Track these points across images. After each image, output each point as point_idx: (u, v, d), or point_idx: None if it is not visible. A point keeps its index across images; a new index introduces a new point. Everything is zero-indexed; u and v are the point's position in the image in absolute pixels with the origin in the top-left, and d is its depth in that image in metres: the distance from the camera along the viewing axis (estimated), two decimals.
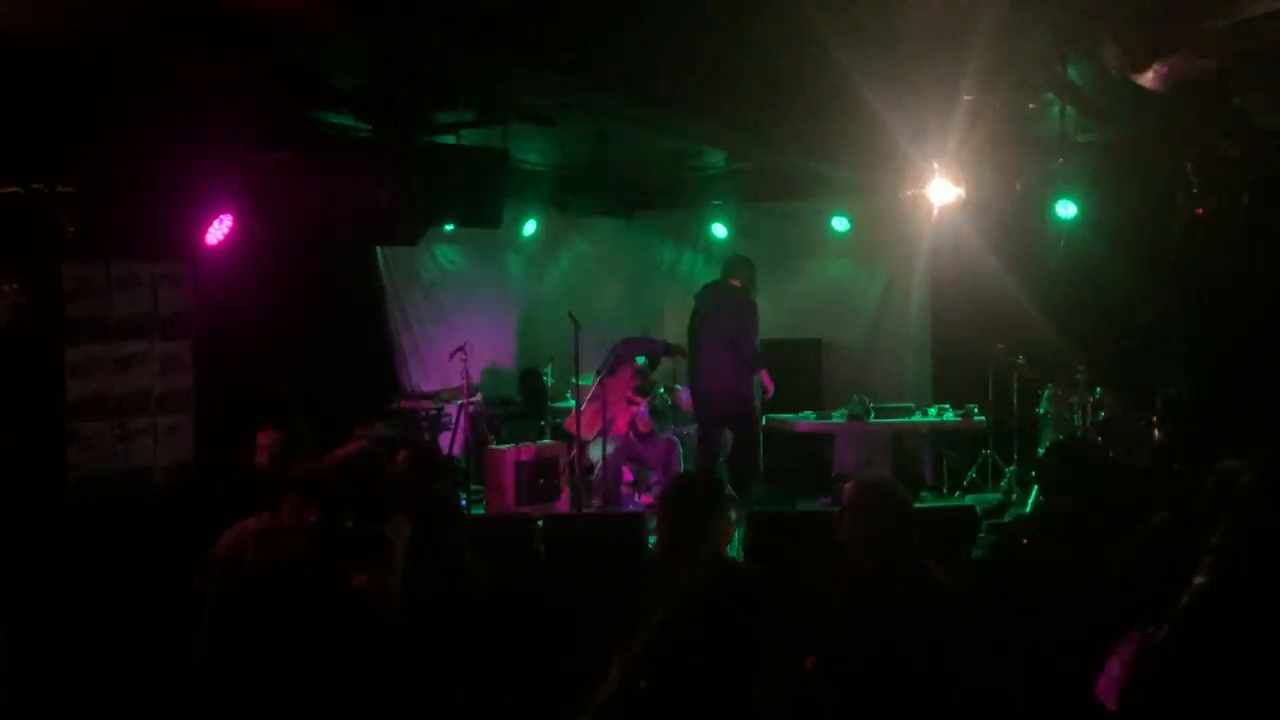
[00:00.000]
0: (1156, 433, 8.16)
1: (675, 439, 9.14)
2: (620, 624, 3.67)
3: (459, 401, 9.26)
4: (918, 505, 8.02)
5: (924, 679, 3.62)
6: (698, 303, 9.08)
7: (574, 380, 8.98)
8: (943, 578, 3.82)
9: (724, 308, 8.86)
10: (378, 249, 9.95)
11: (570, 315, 8.53)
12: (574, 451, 8.92)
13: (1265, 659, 2.54)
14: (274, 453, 6.02)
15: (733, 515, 4.43)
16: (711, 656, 3.60)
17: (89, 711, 4.40)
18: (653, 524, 8.43)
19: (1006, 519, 8.07)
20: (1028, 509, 8.26)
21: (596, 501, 8.87)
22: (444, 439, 9.07)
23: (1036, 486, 8.37)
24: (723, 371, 8.76)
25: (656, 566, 3.99)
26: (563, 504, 8.85)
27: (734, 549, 7.61)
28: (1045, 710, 4.19)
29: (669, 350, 9.62)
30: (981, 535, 6.99)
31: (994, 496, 8.84)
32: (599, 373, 9.17)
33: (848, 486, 4.03)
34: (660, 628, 3.58)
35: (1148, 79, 5.87)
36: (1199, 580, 2.64)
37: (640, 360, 9.52)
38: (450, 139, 7.87)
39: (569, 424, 9.06)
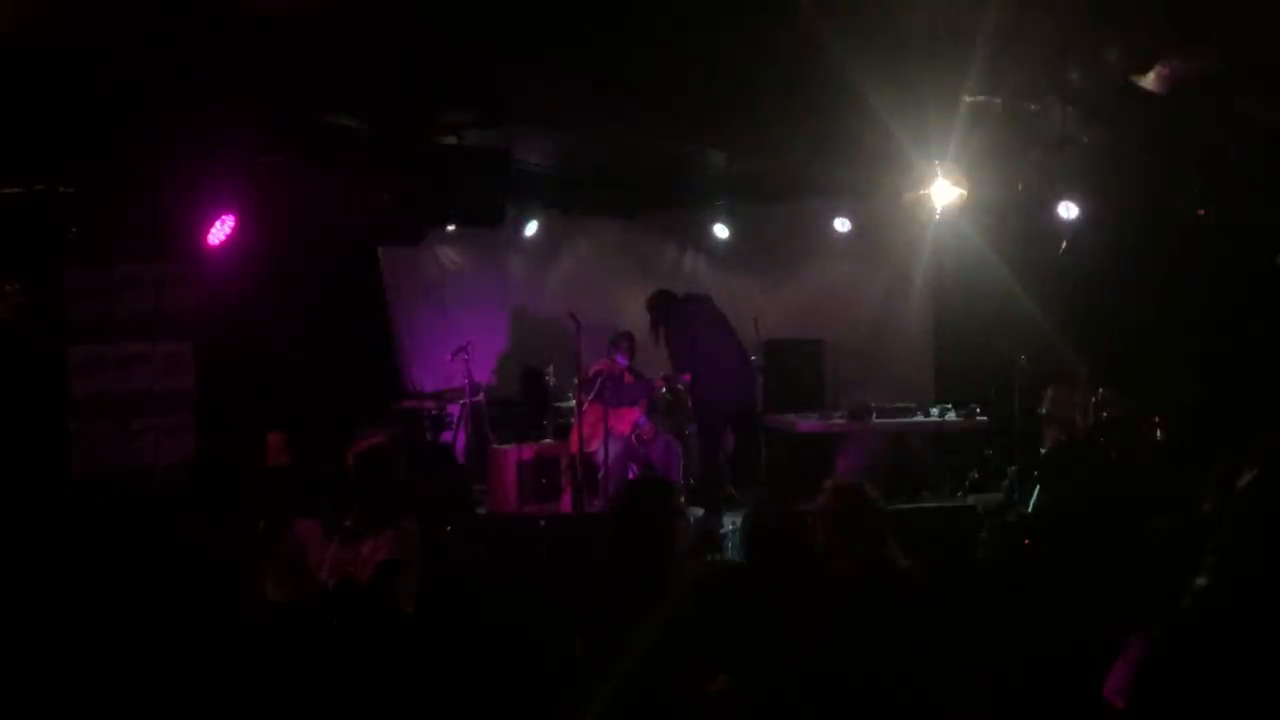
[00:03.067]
0: (1157, 433, 8.15)
1: (673, 439, 9.13)
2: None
3: (461, 401, 9.26)
4: (918, 506, 8.12)
5: (905, 680, 3.63)
6: (691, 313, 9.06)
7: (576, 381, 8.95)
8: (922, 578, 3.83)
9: (721, 318, 9.02)
10: (379, 249, 9.97)
11: (571, 315, 8.51)
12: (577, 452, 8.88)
13: (1267, 658, 2.55)
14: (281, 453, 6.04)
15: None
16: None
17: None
18: None
19: (1008, 519, 8.05)
20: (1029, 509, 8.25)
21: (599, 502, 8.86)
22: (445, 439, 9.07)
23: (1038, 486, 8.35)
24: (730, 373, 8.81)
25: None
26: (564, 504, 8.85)
27: (735, 548, 7.65)
28: (1050, 710, 4.20)
29: (669, 382, 9.37)
30: (983, 535, 6.99)
31: (996, 496, 8.82)
32: (590, 392, 8.98)
33: (822, 492, 4.06)
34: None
35: (1149, 80, 5.87)
36: (1201, 580, 2.65)
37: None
38: (452, 139, 7.88)
39: (573, 434, 8.88)
